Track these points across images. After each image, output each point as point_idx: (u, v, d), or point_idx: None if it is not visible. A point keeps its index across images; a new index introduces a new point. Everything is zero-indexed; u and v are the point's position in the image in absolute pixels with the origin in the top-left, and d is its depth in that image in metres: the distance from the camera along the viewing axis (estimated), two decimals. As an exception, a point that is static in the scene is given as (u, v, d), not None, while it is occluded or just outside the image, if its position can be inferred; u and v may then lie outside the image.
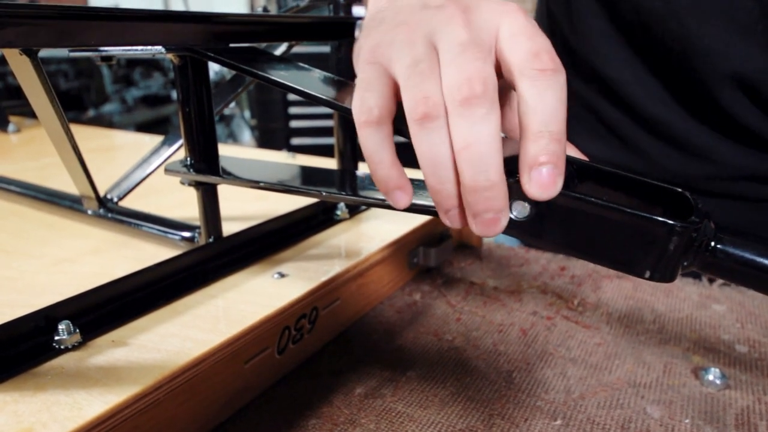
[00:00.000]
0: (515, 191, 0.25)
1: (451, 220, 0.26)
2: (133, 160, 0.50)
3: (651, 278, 0.24)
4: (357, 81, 0.28)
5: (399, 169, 0.26)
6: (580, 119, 0.58)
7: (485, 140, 0.23)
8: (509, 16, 0.25)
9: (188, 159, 0.39)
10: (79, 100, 2.59)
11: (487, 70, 0.24)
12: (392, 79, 0.27)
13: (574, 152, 0.28)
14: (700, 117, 0.51)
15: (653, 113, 0.52)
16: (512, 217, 0.25)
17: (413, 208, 0.30)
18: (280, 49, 0.49)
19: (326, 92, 0.33)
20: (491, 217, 0.24)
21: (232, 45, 0.37)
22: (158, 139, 0.52)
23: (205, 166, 0.39)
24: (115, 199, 0.48)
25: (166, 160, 0.48)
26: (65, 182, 0.47)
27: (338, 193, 0.35)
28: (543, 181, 0.23)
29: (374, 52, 0.28)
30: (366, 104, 0.26)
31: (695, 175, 0.52)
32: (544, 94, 0.23)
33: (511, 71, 0.25)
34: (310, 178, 0.40)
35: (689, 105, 0.51)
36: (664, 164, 0.53)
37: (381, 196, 0.33)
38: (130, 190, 0.48)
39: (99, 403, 0.25)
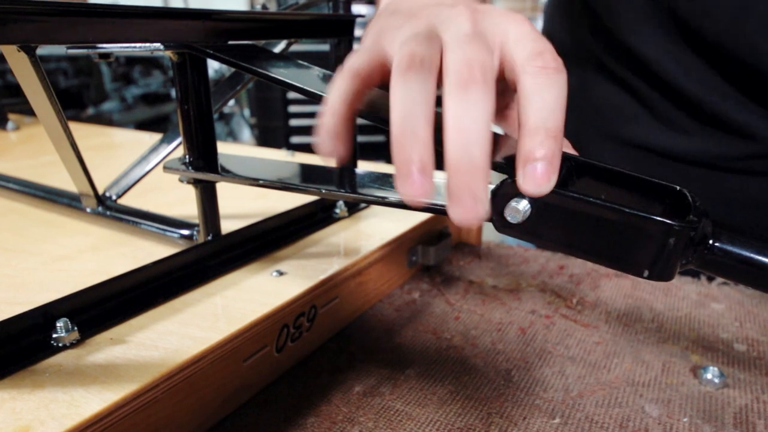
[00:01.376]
0: (515, 189, 0.25)
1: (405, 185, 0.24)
2: (132, 158, 0.50)
3: (649, 277, 0.24)
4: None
5: (344, 112, 0.26)
6: (617, 100, 0.56)
7: (476, 125, 0.23)
8: (516, 22, 0.26)
9: (187, 157, 0.39)
10: (78, 99, 2.59)
11: (488, 61, 0.24)
12: (384, 61, 0.27)
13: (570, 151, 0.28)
14: (742, 92, 0.49)
15: (692, 92, 0.51)
16: (510, 217, 0.25)
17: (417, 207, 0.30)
18: (279, 47, 0.49)
19: (326, 89, 0.33)
20: (469, 202, 0.23)
21: (231, 42, 0.37)
22: (157, 137, 0.52)
23: (203, 164, 0.39)
24: (114, 197, 0.48)
25: (164, 157, 0.48)
26: (64, 180, 0.47)
27: (337, 191, 0.35)
28: (537, 177, 0.23)
29: (377, 37, 0.28)
30: (346, 64, 0.27)
31: (737, 154, 0.51)
32: (543, 91, 0.24)
33: (515, 69, 0.25)
34: (309, 175, 0.40)
35: (730, 81, 0.49)
36: (705, 144, 0.52)
37: (380, 194, 0.33)
38: (129, 188, 0.48)
39: (97, 400, 0.25)
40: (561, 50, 0.56)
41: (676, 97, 0.52)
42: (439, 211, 0.30)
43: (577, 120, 0.60)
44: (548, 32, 0.64)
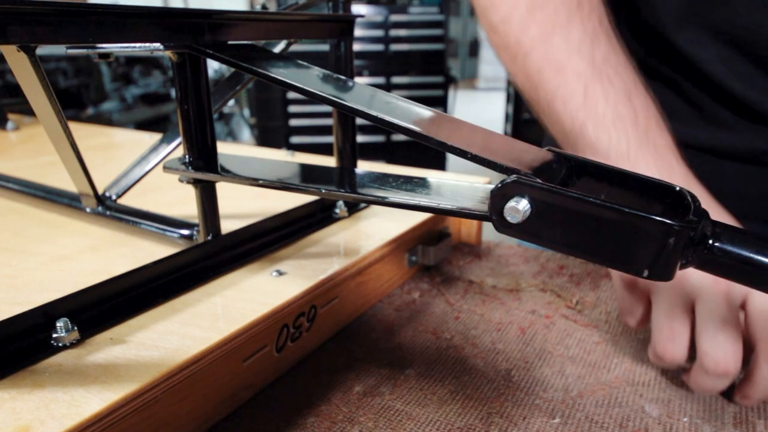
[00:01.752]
0: (515, 189, 0.25)
1: None
2: (131, 158, 0.50)
3: (649, 277, 0.24)
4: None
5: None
6: (659, 97, 0.56)
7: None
8: None
9: (187, 156, 0.39)
10: (78, 99, 2.59)
11: (738, 352, 0.32)
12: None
13: None
14: None
15: (737, 91, 0.50)
16: (510, 217, 0.25)
17: (417, 207, 0.30)
18: (278, 47, 0.49)
19: (325, 89, 0.33)
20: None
21: (230, 42, 0.37)
22: (157, 137, 0.52)
23: (203, 164, 0.39)
24: (114, 197, 0.48)
25: (164, 157, 0.48)
26: (64, 180, 0.47)
27: (337, 191, 0.35)
28: None
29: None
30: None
31: None
32: None
33: (757, 346, 0.32)
34: (309, 175, 0.40)
35: None
36: (753, 140, 0.51)
37: (379, 194, 0.33)
38: (129, 188, 0.48)
39: (97, 400, 0.25)
40: None
41: (720, 95, 0.51)
42: (441, 212, 0.30)
43: None
44: None
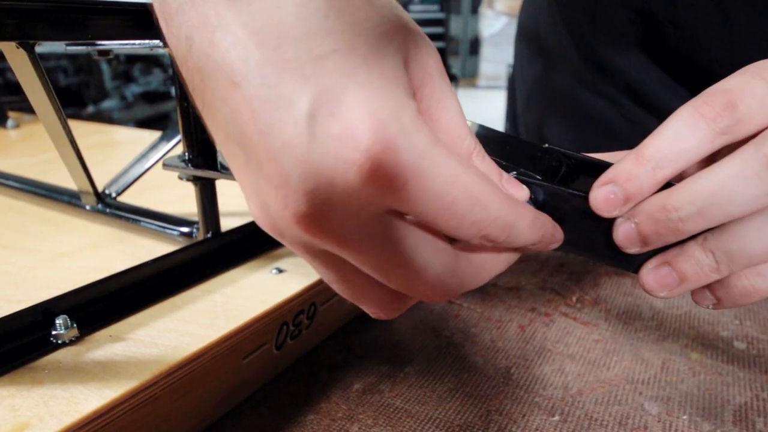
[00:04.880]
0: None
1: None
2: (131, 155, 0.50)
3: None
4: None
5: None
6: (602, 117, 0.56)
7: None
8: None
9: (186, 154, 0.39)
10: (78, 97, 2.59)
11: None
12: None
13: None
14: None
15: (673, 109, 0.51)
16: None
17: None
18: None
19: None
20: None
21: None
22: (157, 134, 0.52)
23: (203, 161, 0.39)
24: (114, 195, 0.48)
25: (164, 155, 0.48)
26: (64, 177, 0.47)
27: None
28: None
29: None
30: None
31: None
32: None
33: None
34: None
35: None
36: None
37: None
38: (129, 186, 0.48)
39: (96, 397, 0.25)
40: (542, 44, 0.53)
41: (663, 116, 0.52)
42: None
43: (542, 104, 0.61)
44: (529, 26, 0.63)
